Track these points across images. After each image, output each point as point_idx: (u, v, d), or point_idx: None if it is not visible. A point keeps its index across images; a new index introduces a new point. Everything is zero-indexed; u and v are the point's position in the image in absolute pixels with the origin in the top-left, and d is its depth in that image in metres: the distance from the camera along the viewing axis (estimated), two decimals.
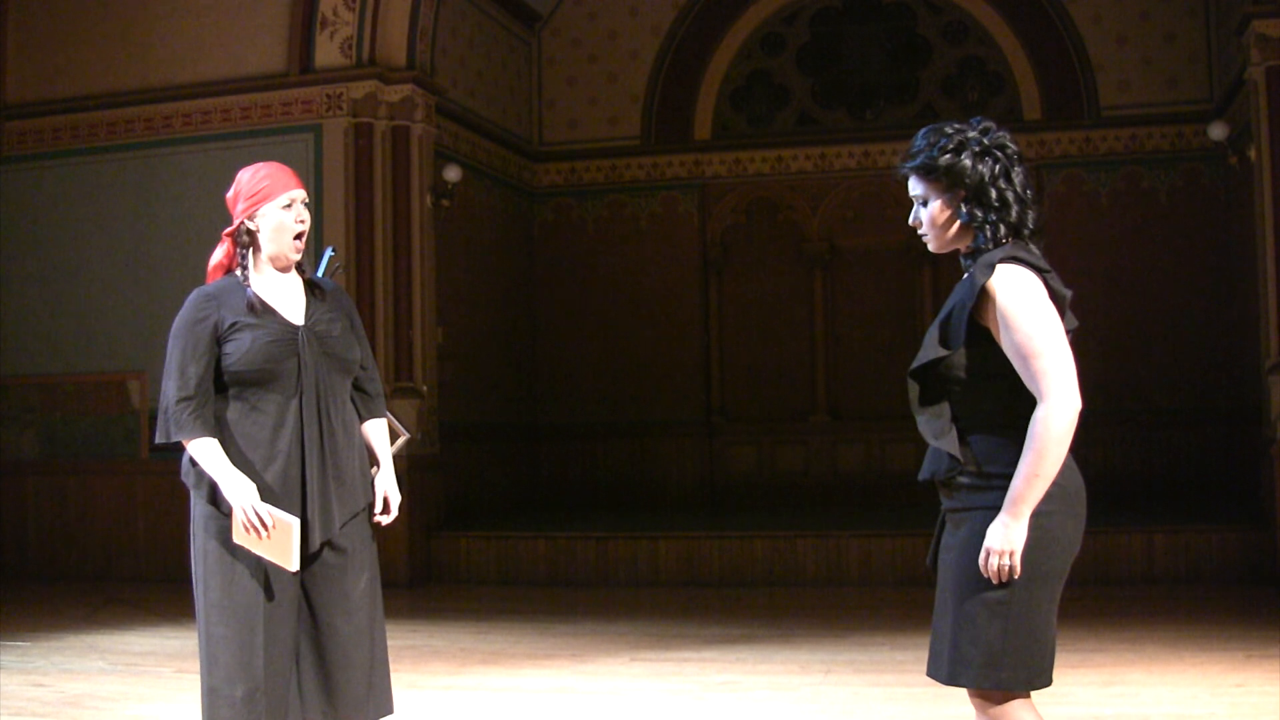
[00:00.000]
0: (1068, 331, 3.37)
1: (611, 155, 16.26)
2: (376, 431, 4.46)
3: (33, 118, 13.03)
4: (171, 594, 11.38)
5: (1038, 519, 3.30)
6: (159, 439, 4.18)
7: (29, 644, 8.90)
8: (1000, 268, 3.33)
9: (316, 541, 4.14)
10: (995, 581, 3.30)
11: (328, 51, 12.26)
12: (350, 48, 12.23)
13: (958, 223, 3.46)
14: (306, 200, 4.34)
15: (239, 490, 4.02)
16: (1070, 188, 14.95)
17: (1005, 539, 3.28)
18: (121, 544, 12.40)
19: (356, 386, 4.39)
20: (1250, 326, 12.24)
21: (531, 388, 15.90)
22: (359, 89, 12.13)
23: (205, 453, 4.08)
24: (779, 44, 16.24)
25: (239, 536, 4.02)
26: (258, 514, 3.99)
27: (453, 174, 13.10)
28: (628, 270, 15.99)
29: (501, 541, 12.23)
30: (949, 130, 3.47)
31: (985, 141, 3.44)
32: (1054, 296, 3.37)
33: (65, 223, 12.84)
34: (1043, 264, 3.39)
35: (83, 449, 12.66)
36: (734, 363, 15.98)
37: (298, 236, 4.27)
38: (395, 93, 12.29)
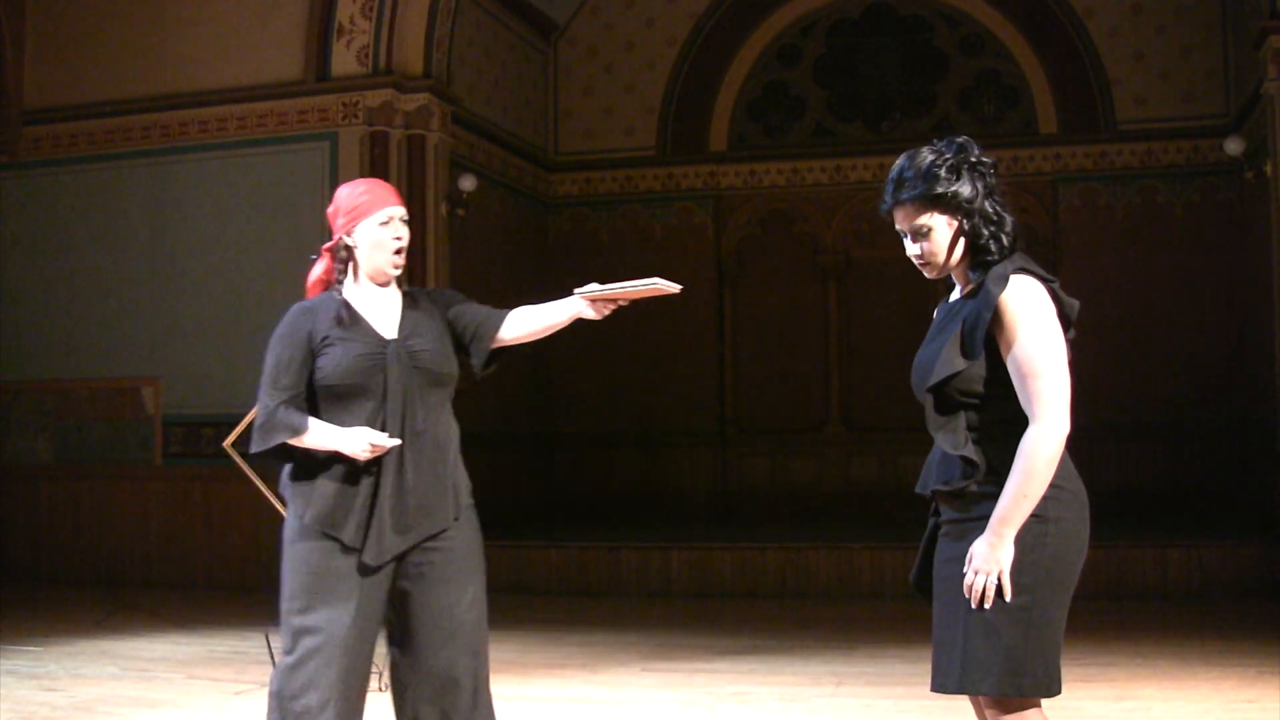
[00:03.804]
0: (1068, 342, 3.38)
1: (627, 166, 16.27)
2: (526, 314, 4.42)
3: (50, 123, 13.09)
4: (183, 600, 11.43)
5: (1056, 526, 3.33)
6: (256, 449, 4.17)
7: (41, 648, 8.92)
8: (1014, 279, 3.35)
9: (383, 557, 4.10)
10: (975, 604, 3.32)
11: (344, 60, 12.30)
12: (367, 56, 12.26)
13: (962, 243, 3.47)
14: (405, 217, 4.32)
15: (350, 439, 4.04)
16: (1086, 202, 14.94)
17: (992, 559, 3.30)
18: (134, 549, 12.43)
19: (478, 336, 4.36)
20: (1264, 341, 12.22)
21: (544, 397, 15.90)
22: (375, 97, 12.17)
23: (314, 432, 4.10)
24: (795, 56, 16.25)
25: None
26: (372, 443, 4.01)
27: (468, 183, 13.12)
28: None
29: (513, 550, 12.22)
30: (930, 156, 3.47)
31: (971, 159, 3.45)
32: (1063, 308, 3.39)
33: (81, 228, 12.89)
34: (1049, 274, 3.41)
35: (96, 454, 12.69)
36: (748, 373, 15.97)
37: (396, 252, 4.27)
38: (411, 101, 12.32)
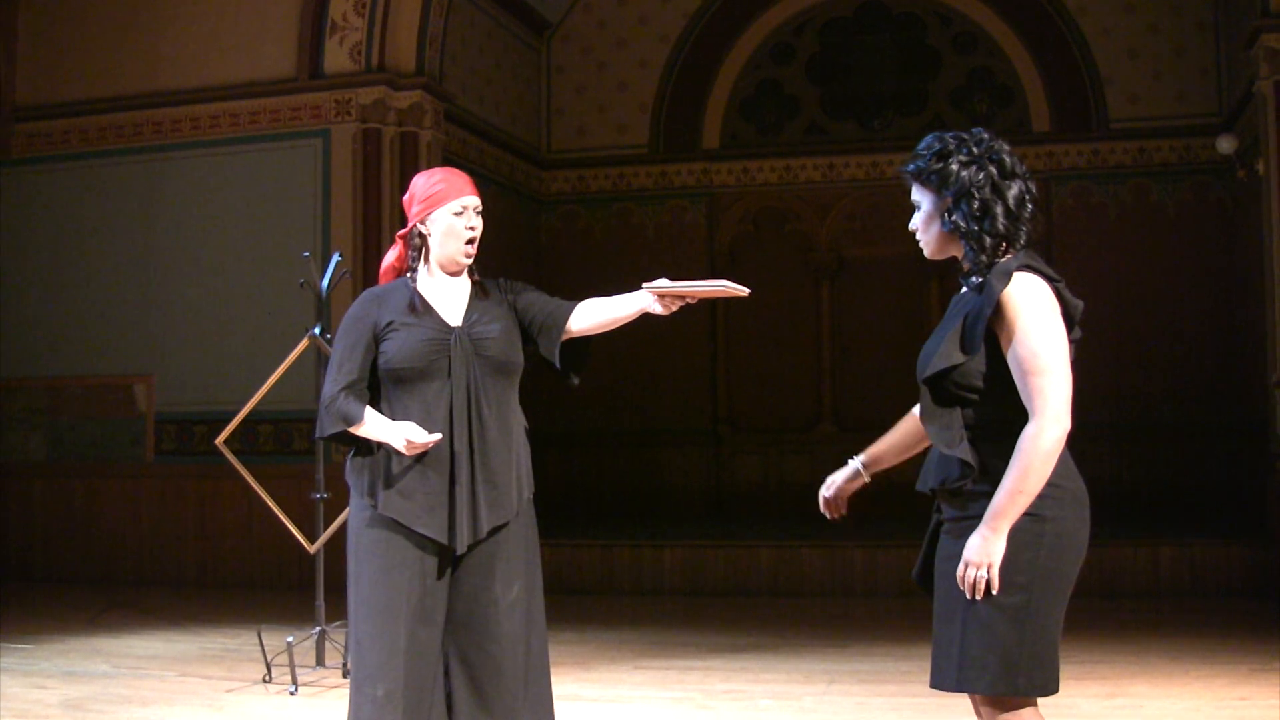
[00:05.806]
0: (1072, 342, 3.38)
1: (620, 163, 16.26)
2: (595, 305, 4.41)
3: (42, 120, 13.06)
4: (176, 598, 11.42)
5: (1053, 525, 3.32)
6: (318, 434, 4.23)
7: (32, 646, 8.90)
8: (1017, 276, 3.34)
9: (463, 544, 4.13)
10: (970, 595, 3.31)
11: (337, 57, 12.29)
12: (359, 53, 12.25)
13: (937, 228, 3.49)
14: (479, 207, 4.38)
15: (394, 433, 4.06)
16: (1078, 200, 14.94)
17: (984, 552, 3.30)
18: (126, 547, 12.41)
19: (546, 326, 4.38)
20: (1257, 340, 12.23)
21: (537, 394, 15.84)
22: (368, 95, 12.15)
23: (368, 424, 4.12)
24: (788, 54, 16.24)
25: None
26: (412, 440, 4.02)
27: None
28: (635, 279, 15.70)
29: None
30: (948, 137, 3.49)
31: (976, 150, 3.44)
32: (1067, 308, 3.38)
33: (73, 225, 12.86)
34: (1054, 274, 3.40)
35: (88, 452, 12.67)
36: (741, 372, 15.96)
37: (469, 242, 4.32)
38: (404, 99, 12.30)
